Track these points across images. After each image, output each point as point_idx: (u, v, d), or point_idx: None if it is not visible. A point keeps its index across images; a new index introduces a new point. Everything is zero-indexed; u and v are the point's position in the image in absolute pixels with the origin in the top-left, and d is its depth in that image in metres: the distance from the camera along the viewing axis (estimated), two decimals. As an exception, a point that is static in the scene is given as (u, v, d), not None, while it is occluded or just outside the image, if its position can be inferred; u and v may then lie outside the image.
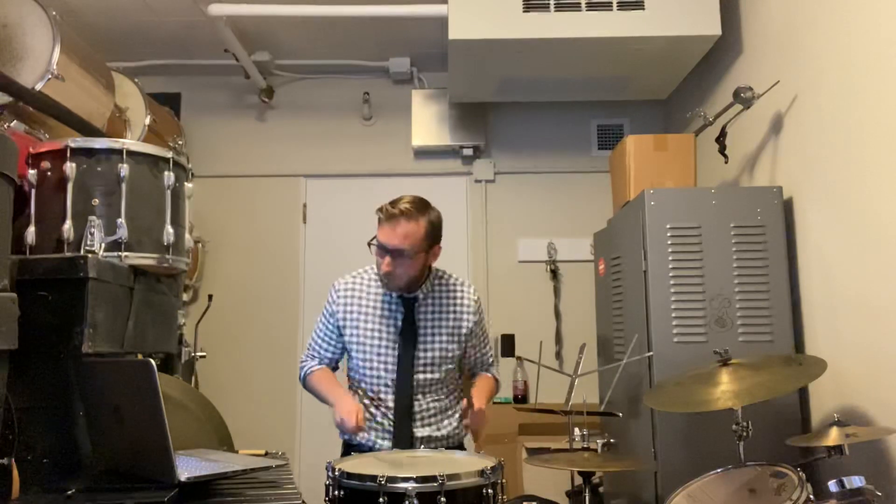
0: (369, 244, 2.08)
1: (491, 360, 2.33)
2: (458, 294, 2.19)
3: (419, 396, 2.10)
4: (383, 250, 2.03)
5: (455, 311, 2.16)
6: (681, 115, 3.79)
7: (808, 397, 2.49)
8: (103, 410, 1.62)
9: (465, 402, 2.03)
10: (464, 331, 2.16)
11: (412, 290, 2.12)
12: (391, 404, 2.09)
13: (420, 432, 2.09)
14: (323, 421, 3.62)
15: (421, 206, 2.05)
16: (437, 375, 2.12)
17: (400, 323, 2.12)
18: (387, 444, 2.08)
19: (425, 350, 2.11)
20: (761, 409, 2.23)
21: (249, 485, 1.63)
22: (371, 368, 2.11)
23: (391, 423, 2.09)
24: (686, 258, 2.57)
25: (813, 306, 2.48)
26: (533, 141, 4.16)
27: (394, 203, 2.04)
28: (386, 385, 2.10)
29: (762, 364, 2.09)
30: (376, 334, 2.12)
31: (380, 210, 2.05)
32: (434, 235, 2.07)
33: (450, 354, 2.13)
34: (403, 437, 2.06)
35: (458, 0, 3.04)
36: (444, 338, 2.13)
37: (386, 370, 2.10)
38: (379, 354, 2.10)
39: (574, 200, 4.09)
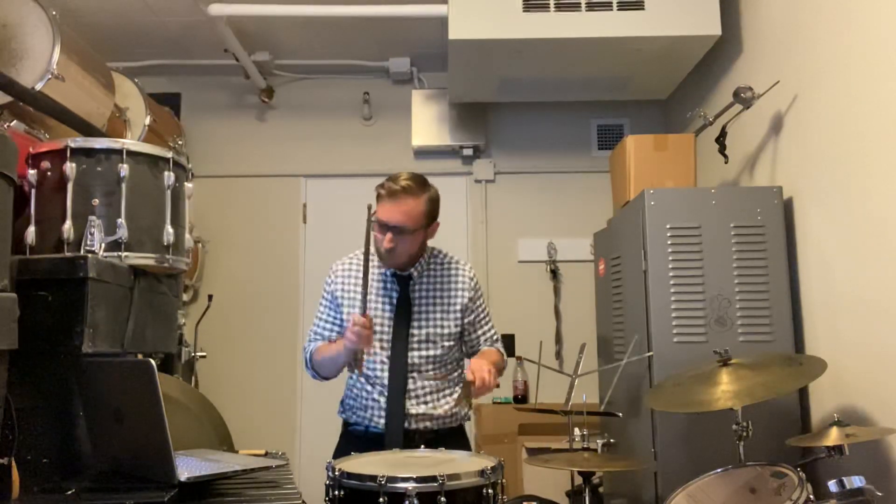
0: (368, 220, 2.08)
1: (495, 338, 2.30)
2: (453, 271, 2.20)
3: (415, 374, 2.11)
4: (385, 227, 2.05)
5: (450, 288, 2.18)
6: (681, 115, 3.79)
7: (808, 397, 2.49)
8: (103, 410, 1.62)
9: (468, 373, 1.96)
10: (459, 307, 2.17)
11: (409, 267, 2.15)
12: (387, 382, 2.10)
13: (415, 409, 2.09)
14: (323, 421, 3.62)
15: (421, 182, 2.09)
16: (432, 352, 2.13)
17: (395, 301, 2.14)
18: (382, 421, 2.09)
19: (419, 327, 2.12)
20: (761, 409, 2.23)
21: (249, 485, 1.63)
22: None
23: (387, 400, 2.10)
24: (686, 258, 2.57)
25: (813, 306, 2.48)
26: (533, 141, 4.16)
27: (394, 179, 2.06)
28: (382, 362, 2.11)
29: (762, 364, 2.09)
30: (371, 312, 2.13)
31: (380, 187, 2.07)
32: (433, 212, 2.11)
33: (445, 331, 2.14)
34: (396, 414, 2.06)
35: (458, 0, 3.05)
36: (439, 314, 2.14)
37: (381, 347, 2.11)
38: (374, 332, 2.11)
39: (574, 200, 4.09)
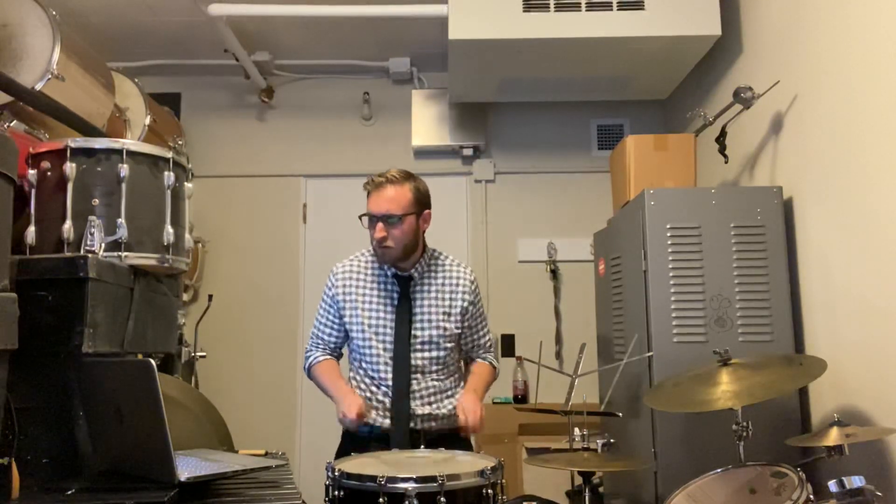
0: (361, 217, 2.13)
1: (489, 345, 2.33)
2: (454, 273, 2.22)
3: (418, 376, 2.12)
4: (373, 218, 2.09)
5: (450, 290, 2.19)
6: (681, 115, 3.79)
7: (808, 397, 2.49)
8: (103, 410, 1.62)
9: (459, 412, 2.06)
10: (459, 310, 2.18)
11: (407, 260, 2.15)
12: (391, 383, 2.11)
13: (420, 410, 2.10)
14: (323, 421, 3.62)
15: (405, 174, 2.14)
16: (434, 354, 2.14)
17: (396, 302, 2.15)
18: (387, 422, 2.10)
19: (421, 328, 2.14)
20: (761, 409, 2.23)
21: (249, 485, 1.63)
22: (370, 348, 2.14)
23: (391, 402, 2.11)
24: (686, 258, 2.57)
25: (813, 306, 2.48)
26: (533, 141, 4.16)
27: (380, 174, 2.12)
28: (385, 364, 2.12)
29: (762, 364, 2.09)
30: (374, 314, 2.15)
31: (367, 183, 2.13)
32: (421, 200, 2.14)
33: (446, 333, 2.16)
34: (402, 415, 2.08)
35: (458, 0, 3.05)
36: (440, 316, 2.16)
37: (384, 349, 2.13)
38: (377, 334, 2.14)
39: (574, 200, 4.09)
